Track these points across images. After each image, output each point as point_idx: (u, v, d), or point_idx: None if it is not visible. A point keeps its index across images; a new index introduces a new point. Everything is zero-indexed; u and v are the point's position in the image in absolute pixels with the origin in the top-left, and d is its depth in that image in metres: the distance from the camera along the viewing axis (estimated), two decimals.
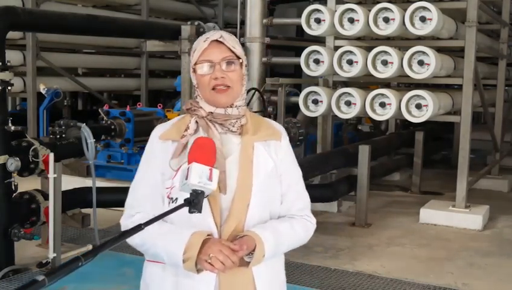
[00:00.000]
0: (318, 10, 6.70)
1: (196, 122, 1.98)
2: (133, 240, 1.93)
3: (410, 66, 6.31)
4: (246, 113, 2.03)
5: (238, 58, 1.97)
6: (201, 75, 1.96)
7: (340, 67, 6.62)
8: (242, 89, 2.00)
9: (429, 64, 6.21)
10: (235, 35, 6.85)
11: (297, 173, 2.12)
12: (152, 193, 1.99)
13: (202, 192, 1.74)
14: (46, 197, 4.96)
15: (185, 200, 1.74)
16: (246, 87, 2.03)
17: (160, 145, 2.00)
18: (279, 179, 2.03)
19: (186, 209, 1.75)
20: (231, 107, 1.97)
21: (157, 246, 1.93)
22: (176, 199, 1.93)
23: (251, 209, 1.94)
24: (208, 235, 1.88)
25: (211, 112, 1.97)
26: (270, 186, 1.99)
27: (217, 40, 1.95)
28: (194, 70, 1.98)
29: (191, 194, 1.74)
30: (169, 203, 1.95)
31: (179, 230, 1.90)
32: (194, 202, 1.73)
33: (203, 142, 1.85)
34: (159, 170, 1.99)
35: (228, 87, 1.95)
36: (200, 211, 1.75)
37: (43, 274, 1.44)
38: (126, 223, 2.01)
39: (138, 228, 1.68)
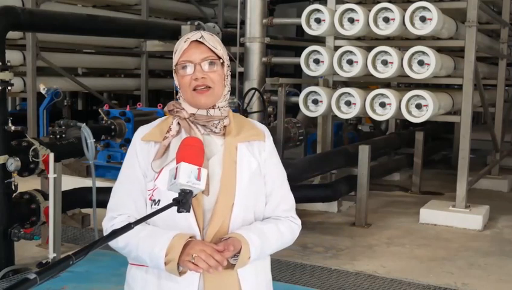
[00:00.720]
0: (318, 10, 6.70)
1: (178, 123, 1.97)
2: (116, 244, 1.91)
3: (410, 66, 6.31)
4: (229, 114, 2.02)
5: (219, 58, 1.96)
6: (182, 76, 1.94)
7: (340, 67, 6.62)
8: (224, 90, 1.98)
9: (429, 64, 6.21)
10: (235, 35, 6.91)
11: (282, 173, 2.10)
12: (135, 195, 1.97)
13: (190, 191, 1.74)
14: (46, 197, 4.96)
15: (173, 199, 1.73)
16: (229, 88, 2.01)
17: (142, 147, 1.98)
18: (263, 180, 2.01)
19: (173, 210, 1.74)
20: (213, 108, 1.96)
21: (139, 248, 1.90)
22: (159, 201, 1.92)
23: (235, 210, 1.93)
24: (190, 237, 1.87)
25: (193, 114, 1.96)
26: (254, 187, 1.98)
27: (197, 41, 1.93)
28: (176, 72, 1.97)
29: (179, 193, 1.73)
30: (151, 205, 1.94)
31: (161, 232, 1.88)
32: (182, 201, 1.72)
33: (192, 142, 1.84)
34: (141, 171, 1.97)
35: (209, 88, 1.93)
36: (188, 211, 1.74)
37: (34, 273, 1.44)
38: (107, 226, 1.99)
39: (128, 227, 1.67)
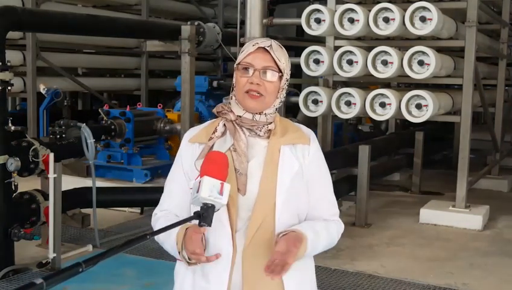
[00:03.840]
0: (318, 10, 6.70)
1: (224, 125, 2.02)
2: (158, 238, 2.01)
3: (410, 66, 6.31)
4: (276, 118, 2.06)
5: (280, 71, 2.00)
6: (240, 76, 2.00)
7: (340, 67, 6.62)
8: (276, 101, 2.03)
9: (429, 64, 6.21)
10: (235, 35, 6.92)
11: (327, 177, 2.13)
12: (176, 194, 2.07)
13: (212, 206, 1.76)
14: (46, 197, 4.96)
15: (194, 213, 1.78)
16: (281, 100, 2.05)
17: (188, 148, 2.07)
18: (305, 183, 2.03)
19: None
20: (260, 114, 2.00)
21: (164, 242, 2.01)
22: None
23: (278, 210, 1.96)
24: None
25: (239, 116, 2.00)
26: (295, 189, 2.00)
27: (264, 48, 1.98)
28: (236, 70, 2.03)
29: (201, 207, 1.76)
30: None
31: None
32: (203, 215, 1.75)
33: (216, 157, 1.88)
34: (184, 171, 2.05)
35: (261, 95, 1.98)
36: (209, 225, 1.78)
37: (41, 278, 1.44)
38: (152, 221, 2.13)
39: (144, 237, 1.72)
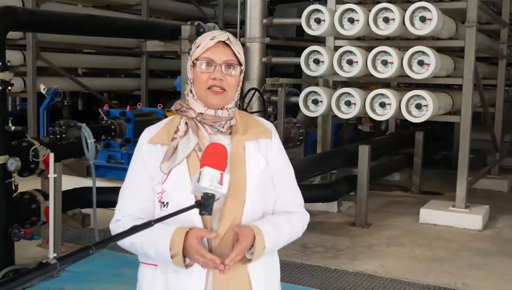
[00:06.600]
0: (318, 10, 6.70)
1: (186, 123, 1.97)
2: (122, 243, 1.92)
3: (410, 66, 6.31)
4: (235, 112, 2.03)
5: (240, 64, 1.97)
6: (200, 72, 1.94)
7: (340, 67, 6.62)
8: (236, 95, 2.00)
9: (429, 64, 6.21)
10: (235, 35, 6.86)
11: (290, 170, 2.12)
12: (139, 197, 1.99)
13: (213, 195, 1.78)
14: (46, 197, 4.96)
15: (195, 201, 1.77)
16: (239, 92, 2.03)
17: (148, 150, 1.99)
18: (271, 177, 2.02)
19: (178, 208, 1.78)
20: (222, 109, 1.97)
21: (144, 246, 1.92)
22: (167, 203, 1.93)
23: (246, 208, 1.93)
24: (190, 228, 1.87)
25: (201, 113, 1.96)
26: (263, 184, 1.99)
27: (224, 42, 1.94)
28: (193, 65, 1.96)
29: (202, 197, 1.78)
30: (161, 207, 1.94)
31: (163, 227, 1.86)
32: (204, 204, 1.77)
33: (215, 148, 1.86)
34: (147, 174, 1.98)
35: (224, 90, 1.94)
36: (210, 213, 1.77)
37: (55, 258, 1.49)
38: (113, 228, 2.02)
39: (148, 224, 1.70)
